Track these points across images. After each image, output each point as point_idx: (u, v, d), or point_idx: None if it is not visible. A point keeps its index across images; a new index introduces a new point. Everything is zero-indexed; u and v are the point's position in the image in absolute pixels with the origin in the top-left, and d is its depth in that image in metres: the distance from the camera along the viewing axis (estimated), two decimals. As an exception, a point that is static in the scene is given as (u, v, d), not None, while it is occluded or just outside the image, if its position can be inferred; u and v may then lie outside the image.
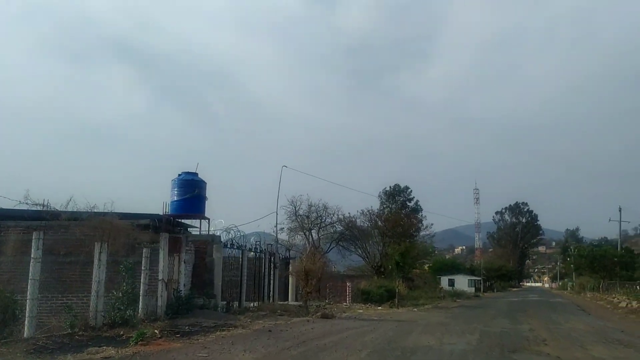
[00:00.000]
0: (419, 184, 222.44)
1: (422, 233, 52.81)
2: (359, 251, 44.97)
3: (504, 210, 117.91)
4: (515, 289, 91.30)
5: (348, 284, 30.36)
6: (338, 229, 44.10)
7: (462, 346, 12.07)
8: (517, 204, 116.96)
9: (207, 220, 20.90)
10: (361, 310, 25.25)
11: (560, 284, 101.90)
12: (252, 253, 23.77)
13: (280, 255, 29.47)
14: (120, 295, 14.23)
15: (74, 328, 12.37)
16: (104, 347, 10.30)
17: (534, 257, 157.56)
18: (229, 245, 20.88)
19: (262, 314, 19.08)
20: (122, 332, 12.19)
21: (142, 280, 14.88)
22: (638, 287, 38.00)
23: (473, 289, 60.25)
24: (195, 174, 20.49)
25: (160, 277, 15.47)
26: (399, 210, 60.34)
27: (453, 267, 68.44)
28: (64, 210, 14.78)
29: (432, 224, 54.76)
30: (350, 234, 44.20)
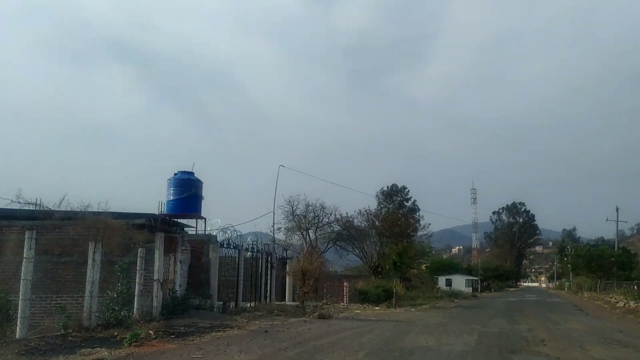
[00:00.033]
0: (416, 183, 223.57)
1: (419, 233, 52.70)
2: (357, 251, 44.88)
3: (501, 210, 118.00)
4: (512, 289, 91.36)
5: (345, 284, 30.26)
6: (335, 229, 43.98)
7: (461, 347, 11.95)
8: (514, 204, 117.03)
9: (203, 220, 20.74)
10: (358, 311, 25.13)
11: (557, 283, 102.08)
12: (249, 253, 23.62)
13: (278, 255, 29.32)
14: (115, 295, 14.08)
15: (67, 329, 12.22)
16: (97, 349, 10.14)
17: (531, 257, 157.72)
18: (225, 245, 20.73)
19: (259, 314, 18.94)
20: (116, 333, 12.05)
21: (137, 280, 14.73)
22: (636, 287, 37.92)
23: (470, 289, 60.18)
24: (192, 173, 20.33)
25: (155, 277, 15.32)
26: (396, 210, 60.31)
27: (450, 267, 68.41)
28: (57, 209, 14.56)
29: (429, 224, 54.60)
30: (347, 233, 44.08)
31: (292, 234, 41.63)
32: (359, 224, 45.08)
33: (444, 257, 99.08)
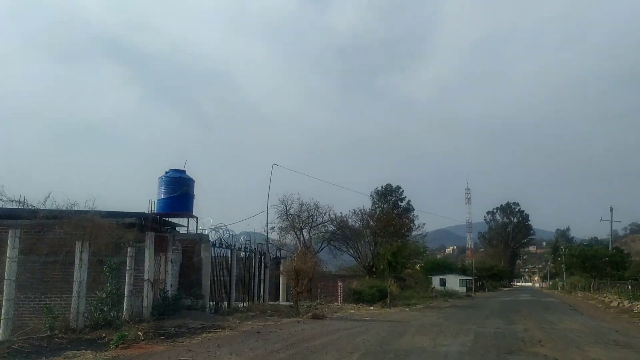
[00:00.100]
0: (410, 183, 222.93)
1: (413, 233, 52.62)
2: (351, 251, 44.61)
3: (495, 210, 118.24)
4: (506, 289, 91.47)
5: (340, 284, 29.98)
6: (330, 229, 43.72)
7: (457, 347, 11.71)
8: (508, 204, 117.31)
9: (195, 219, 20.46)
10: (353, 311, 24.88)
11: (550, 283, 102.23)
12: (242, 252, 23.31)
13: (271, 255, 29.02)
14: (104, 296, 13.77)
15: (53, 330, 11.89)
16: (83, 351, 9.86)
17: (524, 257, 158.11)
18: (217, 245, 20.42)
19: (252, 314, 18.64)
20: (104, 335, 11.73)
21: (126, 280, 14.41)
22: (630, 287, 37.92)
23: (464, 289, 60.11)
24: (183, 172, 20.03)
25: (146, 277, 15.00)
26: (390, 210, 60.10)
27: (445, 267, 68.33)
28: (42, 208, 14.20)
29: (424, 224, 54.59)
30: (342, 233, 43.83)
31: (285, 233, 41.38)
32: (353, 223, 44.88)
33: (438, 257, 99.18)
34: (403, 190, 69.75)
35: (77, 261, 12.83)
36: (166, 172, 19.88)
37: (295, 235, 41.56)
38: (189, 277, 18.39)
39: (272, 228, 38.54)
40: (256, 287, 24.39)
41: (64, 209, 14.22)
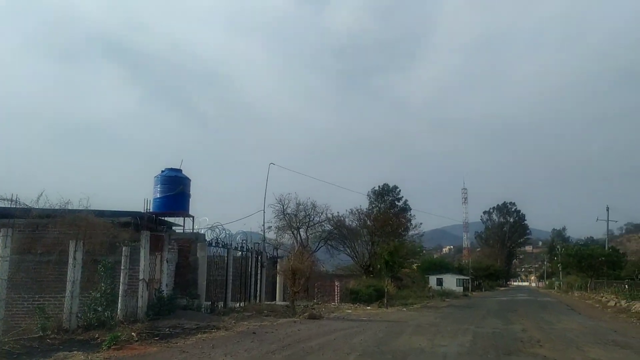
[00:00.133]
0: (407, 183, 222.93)
1: (410, 232, 52.44)
2: (348, 250, 44.49)
3: (491, 210, 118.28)
4: (503, 288, 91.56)
5: (337, 283, 29.83)
6: (327, 228, 43.56)
7: (455, 348, 11.58)
8: (504, 203, 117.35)
9: (191, 218, 20.28)
10: (350, 311, 24.74)
11: (547, 283, 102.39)
12: (238, 252, 23.13)
13: (268, 255, 28.87)
14: (99, 295, 13.60)
15: (45, 331, 11.71)
16: (75, 352, 9.69)
17: (521, 257, 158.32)
18: (214, 244, 20.23)
19: (248, 314, 18.48)
20: (97, 335, 11.55)
21: (121, 280, 14.22)
22: (627, 286, 37.92)
23: (461, 289, 60.00)
24: (179, 171, 19.84)
25: (141, 277, 14.80)
26: (387, 210, 60.00)
27: (441, 267, 68.16)
28: (35, 206, 13.99)
29: (421, 223, 54.37)
30: (339, 233, 43.68)
31: (282, 233, 41.20)
32: (350, 223, 44.76)
33: (435, 256, 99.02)
34: (400, 190, 69.75)
35: (70, 260, 12.65)
36: (162, 171, 19.68)
37: (292, 234, 41.41)
38: (185, 277, 18.20)
39: (269, 227, 38.37)
40: (253, 286, 24.23)
41: (57, 207, 14.01)
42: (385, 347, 11.45)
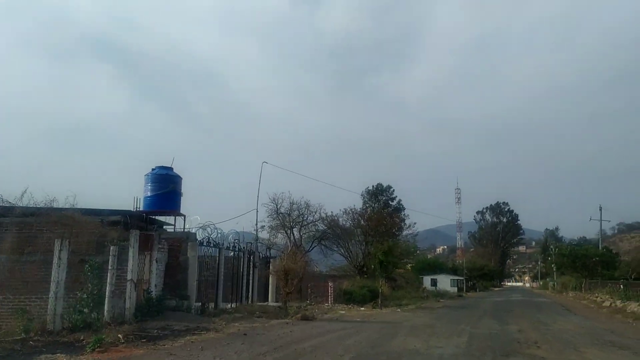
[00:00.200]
0: (401, 183, 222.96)
1: (404, 232, 52.18)
2: (342, 251, 44.14)
3: (485, 210, 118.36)
4: (497, 289, 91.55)
5: (330, 284, 29.51)
6: (320, 228, 43.21)
7: (451, 350, 11.30)
8: (498, 203, 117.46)
9: (182, 217, 19.96)
10: (343, 311, 24.43)
11: (541, 283, 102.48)
12: (230, 252, 22.75)
13: (260, 254, 28.50)
14: (85, 296, 13.24)
15: (28, 332, 11.34)
16: (58, 354, 9.37)
17: (514, 257, 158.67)
18: (205, 244, 19.86)
19: (239, 315, 18.12)
20: (82, 337, 11.21)
21: (108, 280, 13.84)
22: (622, 286, 37.82)
23: (456, 289, 59.87)
24: (170, 169, 19.53)
25: (129, 277, 14.45)
26: (381, 210, 59.69)
27: (436, 267, 68.02)
28: (19, 204, 13.58)
29: (415, 223, 54.09)
30: (332, 233, 43.34)
31: (276, 232, 40.80)
32: (344, 223, 44.40)
33: (429, 256, 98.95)
34: (394, 190, 69.51)
35: (55, 260, 12.28)
36: (153, 169, 19.35)
37: (285, 234, 41.02)
38: (175, 277, 17.80)
39: (262, 227, 37.97)
40: (245, 287, 23.86)
41: (42, 206, 13.61)
42: (379, 349, 11.16)
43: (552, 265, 73.94)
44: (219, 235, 21.14)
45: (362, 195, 67.82)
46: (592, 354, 11.19)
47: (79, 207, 14.39)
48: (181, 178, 19.72)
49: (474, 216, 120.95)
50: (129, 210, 16.99)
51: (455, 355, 10.50)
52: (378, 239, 41.81)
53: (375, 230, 43.63)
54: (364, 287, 31.98)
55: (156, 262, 16.47)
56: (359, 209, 48.62)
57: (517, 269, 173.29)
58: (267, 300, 27.53)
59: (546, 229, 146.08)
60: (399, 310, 27.44)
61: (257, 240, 29.78)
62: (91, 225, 13.83)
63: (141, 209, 18.56)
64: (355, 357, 9.92)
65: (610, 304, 31.66)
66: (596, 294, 40.94)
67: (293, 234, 41.15)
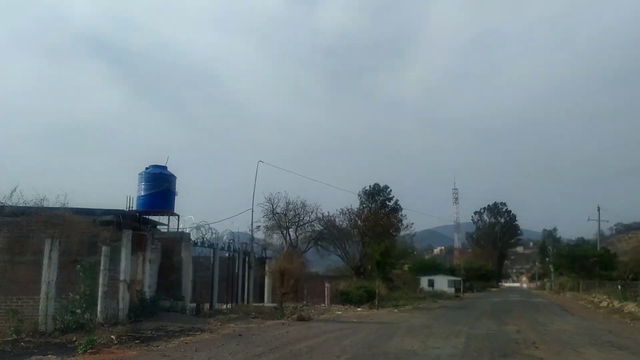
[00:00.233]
0: (398, 183, 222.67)
1: (402, 233, 51.97)
2: (338, 251, 43.94)
3: (482, 211, 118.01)
4: (494, 289, 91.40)
5: (327, 284, 29.29)
6: (317, 228, 42.99)
7: (449, 350, 11.13)
8: (495, 204, 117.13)
9: (176, 217, 19.78)
10: (340, 312, 24.26)
11: (539, 283, 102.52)
12: (225, 252, 22.57)
13: (256, 255, 28.32)
14: (78, 297, 13.06)
15: (19, 334, 11.15)
16: (49, 356, 9.21)
17: (512, 258, 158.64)
18: (199, 244, 19.69)
19: (234, 316, 17.95)
20: (74, 338, 11.02)
21: (100, 281, 13.65)
22: (619, 287, 37.69)
23: (453, 290, 59.66)
24: (164, 168, 19.36)
25: (122, 278, 14.27)
26: (378, 210, 59.50)
27: (433, 268, 67.80)
28: (8, 203, 13.36)
29: (412, 224, 53.88)
30: (329, 233, 43.13)
31: (271, 232, 40.56)
32: (340, 223, 44.17)
33: (426, 257, 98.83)
34: (391, 190, 69.25)
35: (45, 260, 12.09)
36: (146, 168, 19.19)
37: (281, 234, 40.79)
38: (169, 278, 17.61)
39: (258, 227, 37.80)
40: (240, 288, 23.68)
41: (32, 205, 13.40)
42: (376, 350, 11.00)
43: (550, 266, 73.90)
44: (214, 235, 20.96)
45: (359, 195, 67.57)
46: (591, 355, 11.06)
47: (70, 206, 14.19)
48: (175, 177, 19.55)
49: (472, 217, 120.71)
50: (122, 210, 16.83)
51: (453, 356, 10.34)
52: (375, 240, 41.64)
53: (372, 230, 43.43)
54: (360, 287, 31.81)
55: (150, 262, 16.30)
56: (355, 209, 48.44)
57: (514, 270, 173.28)
58: (263, 301, 27.36)
59: (544, 230, 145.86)
60: (395, 310, 27.28)
61: (252, 240, 29.61)
62: (83, 224, 13.64)
63: (134, 208, 18.38)
64: (351, 359, 9.77)
65: (608, 304, 31.59)
66: (594, 295, 40.87)
67: (289, 235, 40.93)
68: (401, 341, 12.72)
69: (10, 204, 13.49)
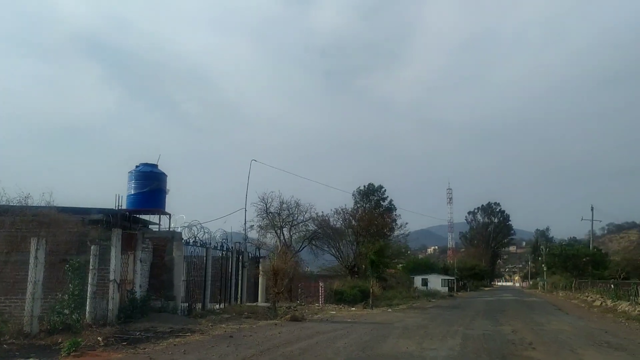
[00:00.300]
0: (392, 183, 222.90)
1: (396, 232, 51.80)
2: (333, 251, 43.66)
3: (476, 210, 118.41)
4: (487, 289, 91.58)
5: (321, 284, 29.07)
6: (311, 228, 42.68)
7: (445, 352, 10.89)
8: (489, 204, 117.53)
9: (167, 216, 19.41)
10: (334, 312, 24.00)
11: (531, 283, 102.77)
12: (218, 251, 22.22)
13: (250, 254, 27.99)
14: (66, 297, 12.73)
15: (3, 335, 10.80)
16: (31, 359, 8.82)
17: (505, 257, 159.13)
18: (191, 243, 19.33)
19: (227, 316, 17.65)
20: (60, 340, 10.67)
21: (89, 280, 13.33)
22: (612, 286, 37.73)
23: (447, 289, 59.65)
24: (155, 166, 18.99)
25: (111, 278, 13.95)
26: (373, 210, 59.30)
27: (427, 267, 67.74)
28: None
29: (406, 223, 53.72)
30: (323, 232, 42.84)
31: (265, 232, 40.19)
32: (334, 223, 43.90)
33: (420, 257, 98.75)
34: (385, 190, 69.12)
35: (31, 260, 11.76)
36: (137, 166, 18.80)
37: (275, 234, 40.45)
38: (160, 278, 17.26)
39: (251, 226, 37.45)
40: (233, 288, 23.34)
41: (15, 203, 13.02)
42: (371, 352, 10.73)
43: (543, 265, 74.02)
44: (206, 234, 20.61)
45: (353, 195, 67.40)
46: (590, 356, 10.87)
47: (56, 204, 13.80)
48: (166, 175, 19.18)
49: (466, 216, 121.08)
50: (111, 209, 16.44)
51: (450, 358, 10.11)
52: (369, 239, 41.42)
53: (367, 230, 43.24)
54: (355, 287, 31.59)
55: (140, 262, 15.96)
56: (350, 209, 48.18)
57: (507, 269, 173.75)
58: (257, 301, 27.04)
59: (537, 230, 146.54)
60: (390, 310, 27.07)
61: (246, 239, 29.27)
62: (70, 223, 13.29)
63: (124, 207, 18.00)
64: (345, 361, 9.51)
65: (601, 303, 31.57)
66: (587, 294, 40.89)
67: (283, 234, 40.58)
68: (396, 342, 12.46)
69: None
